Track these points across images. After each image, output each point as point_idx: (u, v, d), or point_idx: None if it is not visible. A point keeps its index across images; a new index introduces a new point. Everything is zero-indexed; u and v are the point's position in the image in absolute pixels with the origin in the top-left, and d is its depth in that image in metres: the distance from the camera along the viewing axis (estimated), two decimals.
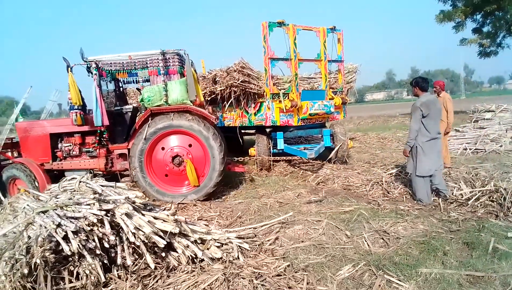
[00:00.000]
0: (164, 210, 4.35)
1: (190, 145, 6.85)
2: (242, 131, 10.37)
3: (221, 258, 3.95)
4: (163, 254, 3.87)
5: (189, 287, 3.46)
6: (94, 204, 3.82)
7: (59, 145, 7.28)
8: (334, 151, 8.96)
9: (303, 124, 8.77)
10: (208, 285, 3.40)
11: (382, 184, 6.82)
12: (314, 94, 8.71)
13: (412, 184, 6.01)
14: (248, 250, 4.20)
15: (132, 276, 3.66)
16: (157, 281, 3.65)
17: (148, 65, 6.73)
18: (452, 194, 5.80)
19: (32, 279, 3.29)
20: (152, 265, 3.70)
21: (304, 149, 8.56)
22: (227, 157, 7.54)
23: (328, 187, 7.33)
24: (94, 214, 3.67)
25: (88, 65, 6.73)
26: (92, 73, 6.67)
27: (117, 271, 3.75)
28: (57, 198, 4.29)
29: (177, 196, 6.72)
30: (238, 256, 4.01)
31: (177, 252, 3.94)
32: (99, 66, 6.70)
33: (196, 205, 6.38)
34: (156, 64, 6.72)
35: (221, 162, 6.73)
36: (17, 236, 3.57)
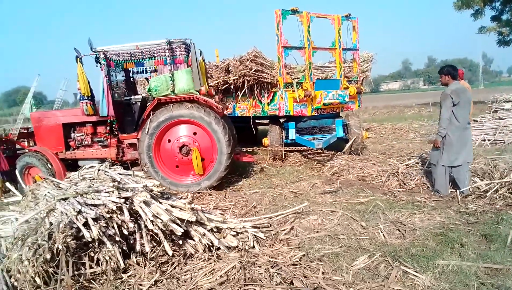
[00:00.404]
0: (180, 199, 4.40)
1: (194, 133, 6.89)
2: (256, 121, 10.35)
3: (237, 246, 4.00)
4: (180, 242, 3.93)
5: (206, 274, 3.52)
6: (113, 192, 3.89)
7: (72, 134, 7.44)
8: (348, 144, 8.89)
9: (317, 114, 8.70)
10: (225, 272, 3.45)
11: (398, 175, 6.76)
12: (328, 83, 8.62)
13: (432, 175, 5.91)
14: (263, 239, 4.24)
15: (150, 263, 3.74)
16: (174, 268, 3.72)
17: (155, 55, 6.81)
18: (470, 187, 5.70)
19: (54, 264, 3.39)
20: (170, 252, 3.77)
21: (313, 140, 8.53)
22: (236, 147, 7.61)
23: (343, 178, 7.30)
24: (113, 201, 3.74)
25: (97, 56, 6.80)
26: (100, 64, 6.75)
27: (136, 257, 3.83)
28: (77, 186, 4.38)
29: (190, 185, 6.79)
30: (253, 245, 4.05)
31: (194, 240, 4.01)
32: (107, 56, 6.78)
33: (212, 195, 6.44)
34: (163, 53, 6.78)
35: (227, 144, 6.74)
36: (39, 223, 3.67)
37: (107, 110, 6.72)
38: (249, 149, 8.82)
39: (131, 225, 3.73)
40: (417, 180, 6.43)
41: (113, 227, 3.69)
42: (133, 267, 3.74)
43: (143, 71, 7.44)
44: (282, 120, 9.47)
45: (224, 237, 4.12)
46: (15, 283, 3.33)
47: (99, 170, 4.64)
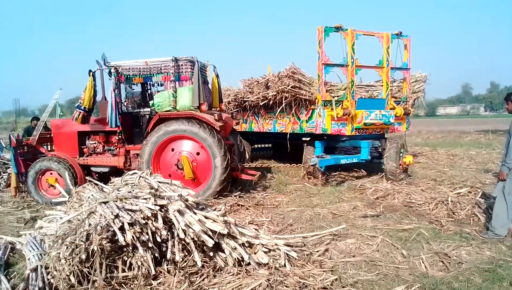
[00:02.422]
0: (214, 210, 4.42)
1: (192, 149, 7.14)
2: (303, 139, 10.23)
3: (267, 263, 3.92)
4: (211, 254, 3.92)
5: (233, 289, 3.48)
6: (150, 198, 3.99)
7: (86, 142, 7.84)
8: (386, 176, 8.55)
9: (357, 134, 8.42)
10: (251, 289, 3.39)
11: (448, 203, 6.33)
12: (372, 102, 8.36)
13: (494, 209, 5.08)
14: (295, 258, 4.12)
15: (180, 272, 3.76)
16: (203, 280, 3.71)
17: (162, 71, 7.10)
18: None
19: (89, 265, 3.50)
20: (200, 263, 3.76)
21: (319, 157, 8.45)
22: (239, 163, 7.90)
23: (387, 203, 6.98)
24: (149, 208, 3.83)
25: (110, 70, 7.18)
26: (112, 77, 7.15)
27: (166, 265, 3.87)
28: (119, 191, 4.54)
29: None
30: (284, 263, 3.95)
31: (224, 253, 3.98)
32: (119, 71, 7.16)
33: (249, 209, 6.42)
34: (170, 70, 7.06)
35: (222, 160, 6.86)
36: (79, 223, 3.83)
37: (115, 122, 7.04)
38: (290, 165, 8.73)
39: (164, 232, 3.79)
40: (467, 211, 5.99)
41: (147, 233, 3.76)
42: (163, 274, 3.78)
43: (159, 84, 7.73)
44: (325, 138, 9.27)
45: (255, 253, 4.05)
46: (52, 280, 3.48)
47: (140, 176, 4.79)
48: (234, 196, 7.19)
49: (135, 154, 7.46)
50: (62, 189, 5.80)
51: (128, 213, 3.80)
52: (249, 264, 3.91)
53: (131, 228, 3.69)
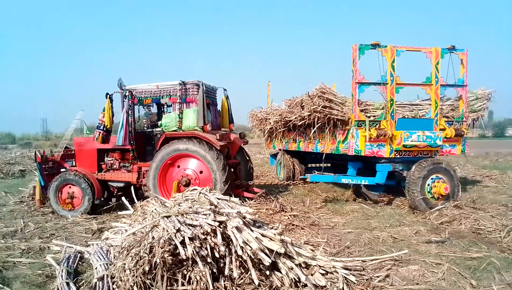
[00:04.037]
0: (271, 229, 4.42)
1: (196, 167, 7.66)
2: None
3: (324, 286, 3.83)
4: (267, 273, 3.90)
5: None
6: (209, 214, 4.09)
7: (105, 159, 8.43)
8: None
9: (398, 156, 7.91)
10: None
11: None
12: (415, 123, 7.85)
13: None
14: (354, 283, 3.99)
15: (237, 289, 3.78)
16: None
17: (171, 94, 7.72)
18: None
19: (151, 277, 3.63)
20: (256, 281, 3.76)
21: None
22: (245, 181, 8.51)
23: (453, 228, 6.56)
24: (209, 224, 3.92)
25: (125, 93, 7.74)
26: (126, 100, 7.74)
27: (224, 281, 3.90)
28: (180, 206, 4.70)
29: None
30: (343, 287, 3.83)
31: (280, 272, 3.94)
32: (133, 94, 7.77)
33: (304, 229, 6.34)
34: (178, 92, 7.64)
35: (221, 178, 7.28)
36: (143, 236, 4.01)
37: (122, 141, 7.62)
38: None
39: (222, 248, 3.84)
40: None
41: (206, 249, 3.83)
42: None
43: (169, 106, 8.29)
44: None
45: (312, 274, 3.98)
46: (116, 289, 3.65)
47: (200, 193, 4.93)
48: (289, 215, 7.15)
49: (146, 171, 7.92)
50: (126, 202, 6.12)
51: (189, 228, 3.91)
52: (305, 285, 3.84)
53: (191, 242, 3.79)
